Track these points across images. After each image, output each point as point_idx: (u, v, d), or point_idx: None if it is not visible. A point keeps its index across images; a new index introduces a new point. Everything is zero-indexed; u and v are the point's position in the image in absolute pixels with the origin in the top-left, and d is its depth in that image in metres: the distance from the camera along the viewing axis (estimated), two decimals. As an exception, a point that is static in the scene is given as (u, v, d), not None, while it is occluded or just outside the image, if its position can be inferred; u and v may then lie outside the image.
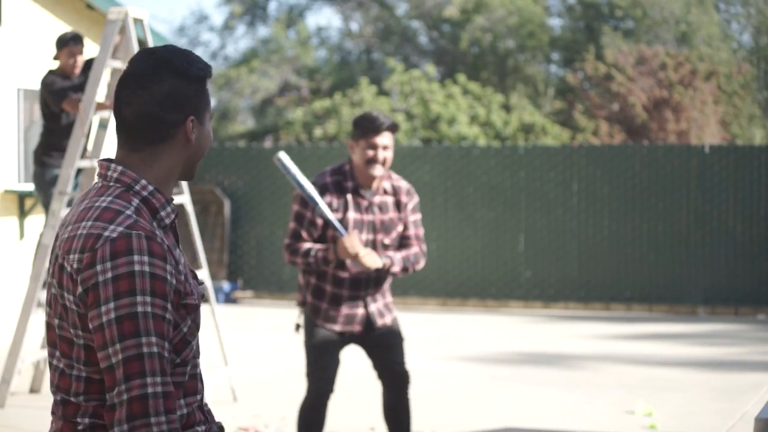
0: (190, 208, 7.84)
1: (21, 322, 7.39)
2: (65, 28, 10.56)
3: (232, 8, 30.92)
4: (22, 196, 10.62)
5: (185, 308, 2.37)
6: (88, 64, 8.24)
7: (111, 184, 2.39)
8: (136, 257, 2.26)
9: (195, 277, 2.49)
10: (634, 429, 7.18)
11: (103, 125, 7.80)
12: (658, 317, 13.13)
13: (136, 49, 7.33)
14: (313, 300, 5.36)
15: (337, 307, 5.33)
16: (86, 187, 7.68)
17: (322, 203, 5.22)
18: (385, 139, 5.31)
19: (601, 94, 21.65)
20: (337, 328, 5.34)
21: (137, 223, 2.31)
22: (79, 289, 2.28)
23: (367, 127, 5.30)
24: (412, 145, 14.66)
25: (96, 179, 2.56)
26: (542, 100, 26.39)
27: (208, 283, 7.87)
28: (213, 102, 27.74)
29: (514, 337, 11.40)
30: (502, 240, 13.72)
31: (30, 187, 10.40)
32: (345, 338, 5.38)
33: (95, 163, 7.50)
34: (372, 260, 5.21)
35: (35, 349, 8.23)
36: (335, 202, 5.32)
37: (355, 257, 5.19)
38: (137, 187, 2.38)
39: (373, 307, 5.39)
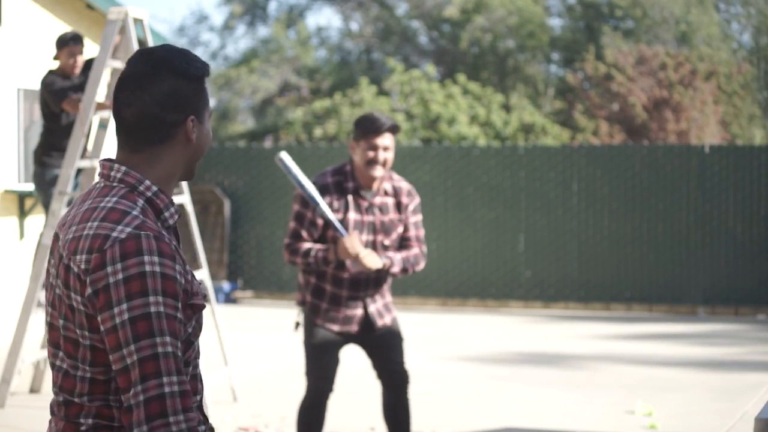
0: (190, 208, 7.84)
1: (21, 322, 7.39)
2: (65, 28, 10.55)
3: (232, 8, 30.92)
4: (22, 196, 10.62)
5: (192, 308, 2.37)
6: (88, 64, 8.24)
7: (115, 184, 2.38)
8: (146, 258, 2.24)
9: (194, 277, 2.48)
10: (634, 429, 7.18)
11: (103, 125, 7.80)
12: (658, 317, 13.12)
13: (136, 49, 7.33)
14: (313, 299, 5.36)
15: (336, 307, 5.34)
16: (86, 187, 7.68)
17: (323, 203, 5.22)
18: (385, 140, 5.31)
19: (601, 94, 21.64)
20: (337, 328, 5.34)
21: (145, 223, 2.30)
22: (88, 290, 2.26)
23: (367, 128, 5.29)
24: (412, 145, 14.66)
25: (97, 179, 2.55)
26: (542, 100, 26.38)
27: (208, 283, 7.87)
28: (213, 102, 27.83)
29: (514, 337, 11.40)
30: (502, 240, 13.71)
31: (30, 187, 10.39)
32: (344, 338, 5.38)
33: (95, 163, 7.51)
34: (372, 261, 5.21)
35: (35, 349, 8.23)
36: (336, 203, 5.32)
37: (356, 258, 5.19)
38: (141, 188, 2.37)
39: (373, 308, 5.39)
